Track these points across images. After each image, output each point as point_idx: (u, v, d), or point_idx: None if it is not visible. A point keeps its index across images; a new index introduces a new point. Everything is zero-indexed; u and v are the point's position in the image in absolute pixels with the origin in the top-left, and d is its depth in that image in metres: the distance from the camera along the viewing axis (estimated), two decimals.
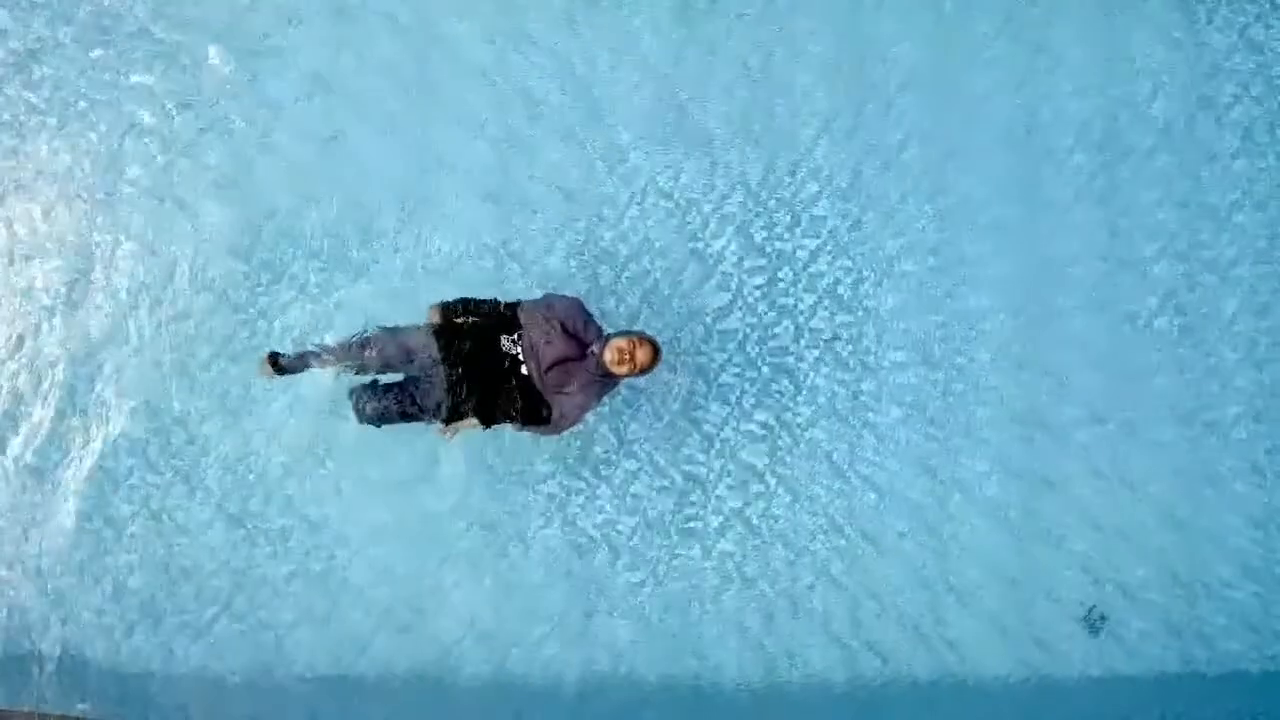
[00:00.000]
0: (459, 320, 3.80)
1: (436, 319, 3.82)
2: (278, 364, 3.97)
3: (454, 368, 3.76)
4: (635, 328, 4.07)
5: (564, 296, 3.86)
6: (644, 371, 3.67)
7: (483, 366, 3.76)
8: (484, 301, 3.84)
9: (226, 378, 4.34)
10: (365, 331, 3.95)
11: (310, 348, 4.07)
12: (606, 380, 3.76)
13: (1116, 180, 4.65)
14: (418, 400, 3.88)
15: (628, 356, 3.60)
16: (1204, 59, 4.69)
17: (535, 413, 3.78)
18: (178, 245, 4.38)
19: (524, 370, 3.74)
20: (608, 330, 3.86)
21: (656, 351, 3.65)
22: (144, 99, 4.42)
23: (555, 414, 3.78)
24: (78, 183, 4.39)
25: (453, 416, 3.82)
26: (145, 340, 4.35)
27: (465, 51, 4.53)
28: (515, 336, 3.75)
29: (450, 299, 3.85)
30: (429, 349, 3.79)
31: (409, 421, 3.94)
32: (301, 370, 4.03)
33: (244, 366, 4.30)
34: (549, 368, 3.70)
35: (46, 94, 4.41)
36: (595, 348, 3.70)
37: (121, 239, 4.38)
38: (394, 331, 3.87)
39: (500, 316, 3.80)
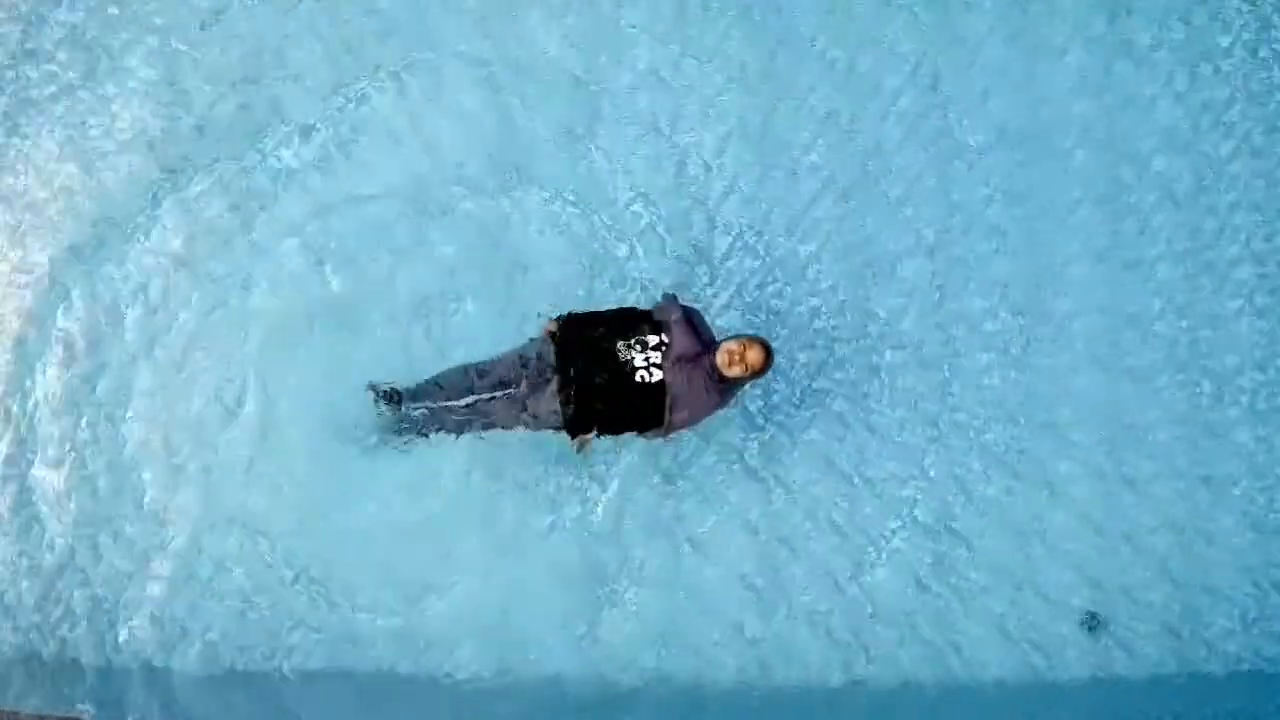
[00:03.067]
0: (576, 326, 3.82)
1: (554, 327, 3.84)
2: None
3: (567, 375, 3.77)
4: (747, 331, 4.11)
5: (684, 303, 3.90)
6: (757, 374, 3.69)
7: (596, 373, 3.76)
8: (603, 310, 3.89)
9: None
10: (477, 360, 4.02)
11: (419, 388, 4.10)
12: (723, 385, 3.76)
13: (1118, 182, 4.66)
14: (529, 408, 3.89)
15: (738, 358, 3.62)
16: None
17: (651, 418, 3.79)
18: None
19: (639, 377, 3.74)
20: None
21: (769, 353, 3.66)
22: None
23: (673, 416, 3.77)
24: None
25: (574, 426, 3.81)
26: None
27: None
28: (631, 341, 3.75)
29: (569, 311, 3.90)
30: (546, 355, 3.82)
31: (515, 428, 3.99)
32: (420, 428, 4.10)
33: None
34: (675, 361, 3.71)
35: None
36: (710, 353, 3.73)
37: None
38: (511, 351, 3.96)
39: (617, 322, 3.81)
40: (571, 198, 4.49)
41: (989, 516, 4.52)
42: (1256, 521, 4.57)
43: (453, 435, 4.16)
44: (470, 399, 4.04)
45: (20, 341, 4.32)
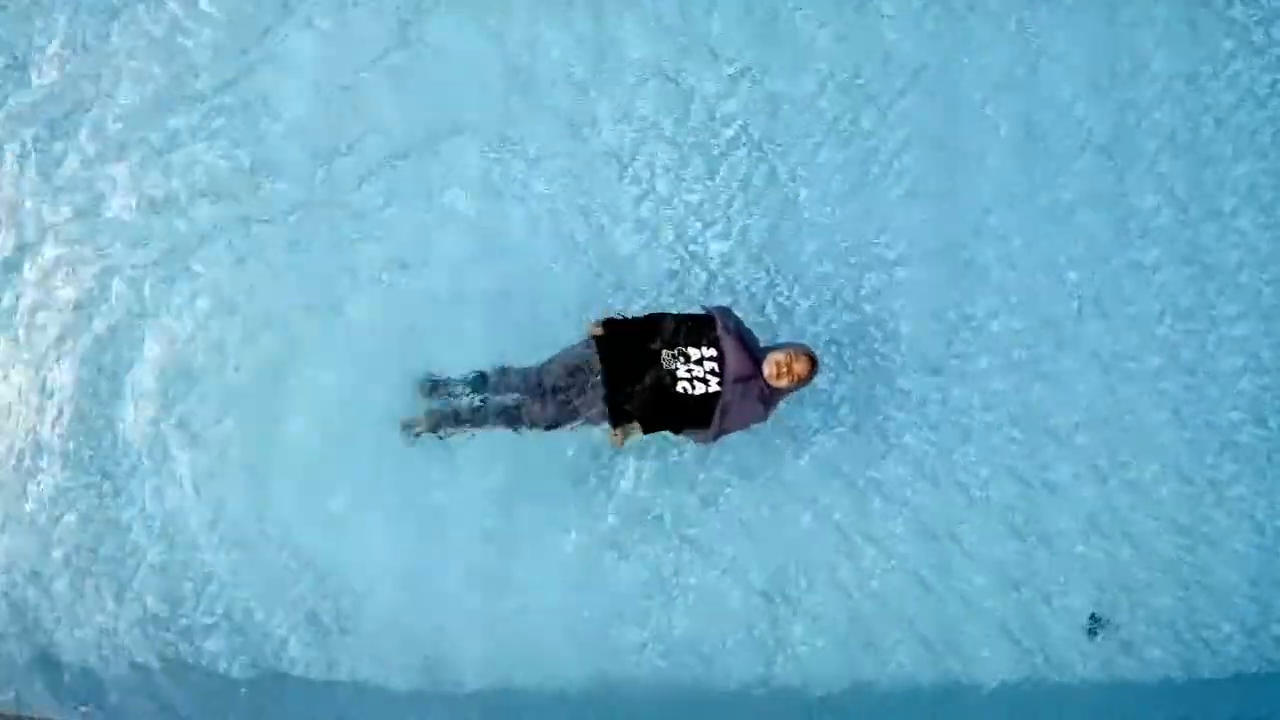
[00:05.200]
0: (618, 331, 3.86)
1: (598, 331, 3.87)
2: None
3: (611, 377, 3.82)
4: (787, 340, 4.16)
5: (728, 311, 3.92)
6: (802, 383, 3.75)
7: (637, 378, 3.80)
8: (648, 316, 3.92)
9: None
10: (538, 363, 4.06)
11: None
12: (771, 396, 3.80)
13: (1118, 184, 4.66)
14: (579, 409, 3.94)
15: (786, 368, 3.68)
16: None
17: (695, 420, 3.82)
18: None
19: (680, 388, 3.77)
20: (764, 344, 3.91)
21: (814, 363, 3.72)
22: None
23: (722, 422, 3.80)
24: None
25: (616, 421, 3.86)
26: None
27: None
28: (675, 351, 3.79)
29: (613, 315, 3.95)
30: (591, 359, 3.88)
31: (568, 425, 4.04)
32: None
33: None
34: (736, 380, 3.74)
35: None
36: (760, 367, 3.76)
37: None
38: (562, 354, 4.00)
39: (658, 329, 3.83)
40: (576, 200, 4.51)
41: (992, 519, 4.52)
42: (1260, 525, 4.57)
43: (488, 429, 4.20)
44: (516, 398, 4.11)
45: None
